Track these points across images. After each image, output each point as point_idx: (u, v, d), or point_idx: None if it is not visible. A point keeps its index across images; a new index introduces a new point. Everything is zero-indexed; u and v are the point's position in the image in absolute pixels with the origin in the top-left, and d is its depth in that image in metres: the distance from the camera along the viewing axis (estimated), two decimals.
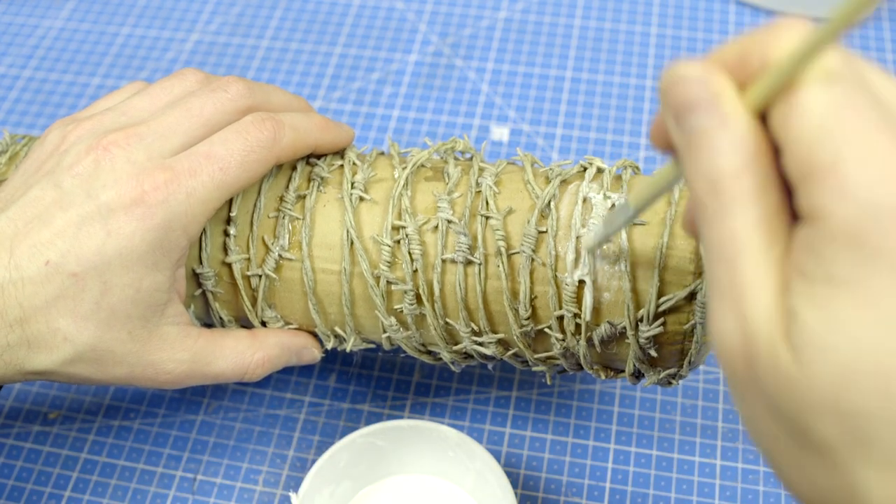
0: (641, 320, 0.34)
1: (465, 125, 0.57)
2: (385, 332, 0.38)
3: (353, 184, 0.37)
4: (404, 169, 0.37)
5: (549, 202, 0.35)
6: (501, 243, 0.35)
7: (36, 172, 0.35)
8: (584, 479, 0.43)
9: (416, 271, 0.35)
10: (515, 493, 0.41)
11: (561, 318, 0.35)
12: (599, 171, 0.36)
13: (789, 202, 0.21)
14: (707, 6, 0.63)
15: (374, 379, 0.46)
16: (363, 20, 0.63)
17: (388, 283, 0.36)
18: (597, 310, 0.34)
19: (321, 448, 0.44)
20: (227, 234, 0.37)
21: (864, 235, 0.18)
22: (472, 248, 0.35)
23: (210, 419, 0.45)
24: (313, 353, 0.40)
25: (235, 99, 0.36)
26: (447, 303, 0.36)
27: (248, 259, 0.37)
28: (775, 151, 0.21)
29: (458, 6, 0.64)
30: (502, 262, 0.35)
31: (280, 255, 0.37)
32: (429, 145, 0.39)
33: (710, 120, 0.21)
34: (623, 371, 0.37)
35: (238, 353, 0.37)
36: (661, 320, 0.34)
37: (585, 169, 0.37)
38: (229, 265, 0.37)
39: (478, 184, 0.36)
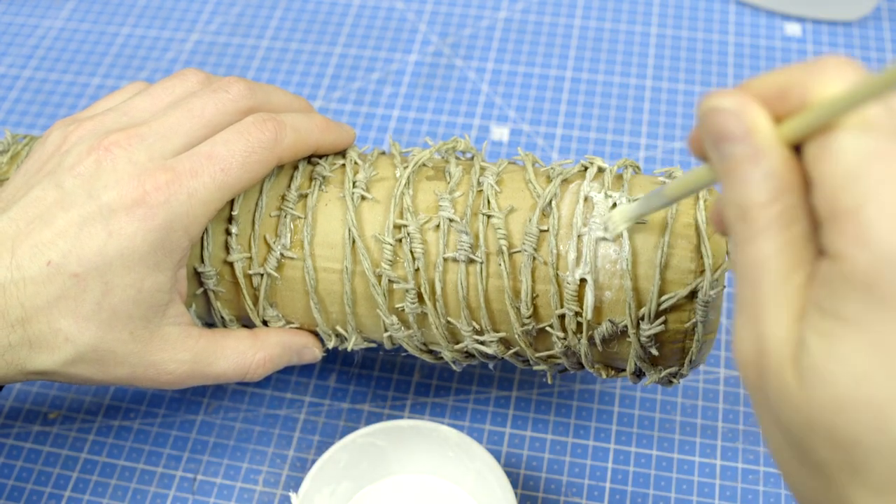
0: (643, 319, 0.34)
1: (465, 125, 0.57)
2: (386, 330, 0.38)
3: (354, 183, 0.37)
4: (406, 168, 0.37)
5: (551, 201, 0.35)
6: (503, 242, 0.35)
7: (37, 173, 0.35)
8: (584, 479, 0.43)
9: (417, 270, 0.36)
10: (515, 493, 0.41)
11: (562, 317, 0.35)
12: (600, 170, 0.36)
13: (817, 232, 0.22)
14: (707, 6, 0.63)
15: (374, 379, 0.46)
16: (363, 20, 0.63)
17: (390, 281, 0.36)
18: (598, 308, 0.34)
19: (321, 448, 0.44)
20: (228, 232, 0.37)
21: (876, 282, 0.19)
22: (473, 247, 0.35)
23: (210, 419, 0.45)
24: (314, 353, 0.40)
25: (237, 99, 0.36)
26: (449, 301, 0.36)
27: (250, 258, 0.37)
28: (806, 183, 0.22)
29: (458, 6, 0.64)
30: (504, 261, 0.35)
31: (282, 254, 0.37)
32: (430, 145, 0.39)
33: (743, 151, 0.22)
34: (624, 370, 0.37)
35: (239, 354, 0.37)
36: (662, 319, 0.34)
37: (586, 168, 0.37)
38: (231, 264, 0.37)
39: (479, 183, 0.36)
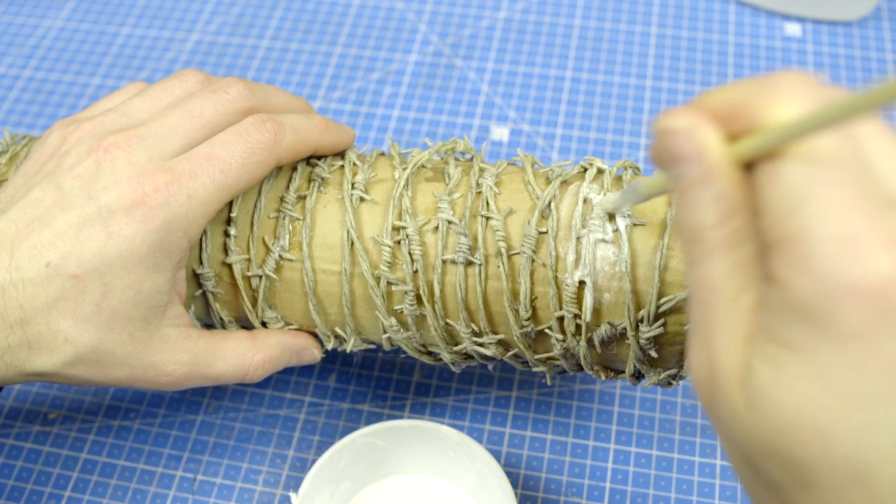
0: (642, 321, 0.34)
1: (465, 125, 0.57)
2: (385, 332, 0.38)
3: (353, 184, 0.37)
4: (405, 169, 0.37)
5: (550, 203, 0.35)
6: (502, 244, 0.35)
7: (36, 174, 0.35)
8: (584, 479, 0.43)
9: (416, 272, 0.36)
10: (515, 493, 0.41)
11: (561, 319, 0.35)
12: (600, 171, 0.36)
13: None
14: (707, 6, 0.63)
15: (374, 379, 0.47)
16: (363, 20, 0.63)
17: (389, 283, 0.36)
18: (597, 310, 0.34)
19: (321, 448, 0.44)
20: (227, 234, 0.37)
21: (818, 310, 0.19)
22: (472, 249, 0.35)
23: (210, 419, 0.45)
24: (314, 354, 0.40)
25: (236, 100, 0.36)
26: (447, 303, 0.36)
27: (249, 260, 0.37)
28: (756, 205, 0.21)
29: (458, 6, 0.64)
30: (503, 263, 0.35)
31: (280, 256, 0.37)
32: (429, 146, 0.39)
33: (694, 173, 0.22)
34: (623, 372, 0.37)
35: (238, 355, 0.37)
36: (661, 321, 0.34)
37: (586, 170, 0.37)
38: (230, 266, 0.37)
39: (478, 184, 0.36)
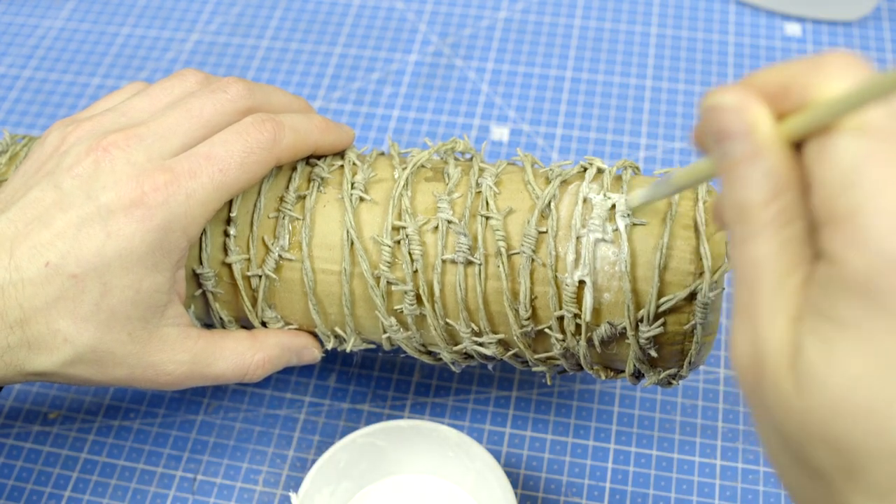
0: (641, 321, 0.34)
1: (465, 125, 0.57)
2: (385, 332, 0.38)
3: (353, 184, 0.37)
4: (404, 169, 0.37)
5: (550, 202, 0.35)
6: (501, 244, 0.35)
7: (36, 173, 0.35)
8: (584, 479, 0.43)
9: (416, 272, 0.35)
10: (515, 493, 0.41)
11: (561, 319, 0.35)
12: (600, 171, 0.36)
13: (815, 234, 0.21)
14: (707, 6, 0.63)
15: (374, 379, 0.47)
16: (363, 20, 0.63)
17: (389, 283, 0.36)
18: (597, 310, 0.34)
19: (321, 448, 0.44)
20: (227, 234, 0.37)
21: (873, 286, 0.19)
22: (472, 249, 0.35)
23: (210, 419, 0.45)
24: (313, 354, 0.40)
25: (235, 100, 0.36)
26: (447, 303, 0.36)
27: (249, 259, 0.37)
28: (805, 183, 0.21)
29: (458, 6, 0.64)
30: (502, 263, 0.35)
31: (280, 256, 0.37)
32: (429, 145, 0.39)
33: (743, 150, 0.22)
34: (623, 371, 0.37)
35: (238, 355, 0.37)
36: (661, 321, 0.34)
37: (585, 169, 0.37)
38: (229, 265, 0.37)
39: (478, 184, 0.36)
